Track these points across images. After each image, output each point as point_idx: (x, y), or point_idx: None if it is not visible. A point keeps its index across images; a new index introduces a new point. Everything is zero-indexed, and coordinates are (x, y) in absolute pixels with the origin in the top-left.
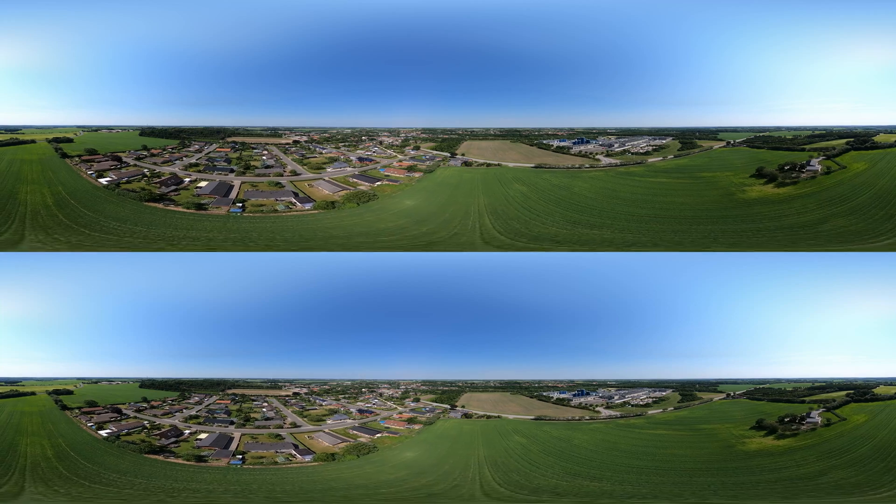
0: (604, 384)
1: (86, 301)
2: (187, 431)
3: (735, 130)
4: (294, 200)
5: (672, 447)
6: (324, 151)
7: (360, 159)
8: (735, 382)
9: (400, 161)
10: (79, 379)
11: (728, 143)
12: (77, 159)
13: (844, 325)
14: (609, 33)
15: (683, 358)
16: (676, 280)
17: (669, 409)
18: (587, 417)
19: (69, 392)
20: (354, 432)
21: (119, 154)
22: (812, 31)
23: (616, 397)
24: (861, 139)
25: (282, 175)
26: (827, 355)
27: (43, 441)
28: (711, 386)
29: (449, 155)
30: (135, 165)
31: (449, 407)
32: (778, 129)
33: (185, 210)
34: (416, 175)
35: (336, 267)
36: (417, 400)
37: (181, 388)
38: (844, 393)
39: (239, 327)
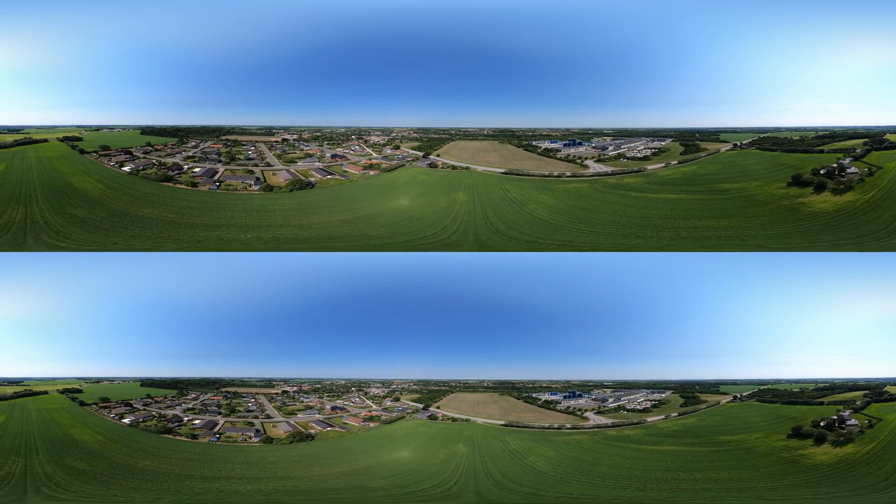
0: (600, 385)
1: (85, 301)
2: (186, 419)
3: (735, 131)
4: (252, 183)
5: (696, 467)
6: (306, 148)
7: (333, 156)
8: (735, 383)
9: (368, 159)
10: (78, 379)
11: (735, 145)
12: (95, 154)
13: (844, 326)
14: (609, 33)
15: (683, 358)
16: (676, 280)
17: (673, 414)
18: (568, 426)
19: (79, 391)
20: (312, 424)
21: (129, 149)
22: (812, 31)
23: (610, 400)
24: (876, 139)
25: (257, 165)
26: (825, 356)
27: (86, 430)
28: (713, 387)
29: (421, 155)
30: (144, 157)
31: (421, 407)
32: (778, 129)
33: (185, 187)
34: (372, 173)
35: (336, 267)
36: (397, 399)
37: (179, 386)
38: (861, 393)
39: (238, 328)
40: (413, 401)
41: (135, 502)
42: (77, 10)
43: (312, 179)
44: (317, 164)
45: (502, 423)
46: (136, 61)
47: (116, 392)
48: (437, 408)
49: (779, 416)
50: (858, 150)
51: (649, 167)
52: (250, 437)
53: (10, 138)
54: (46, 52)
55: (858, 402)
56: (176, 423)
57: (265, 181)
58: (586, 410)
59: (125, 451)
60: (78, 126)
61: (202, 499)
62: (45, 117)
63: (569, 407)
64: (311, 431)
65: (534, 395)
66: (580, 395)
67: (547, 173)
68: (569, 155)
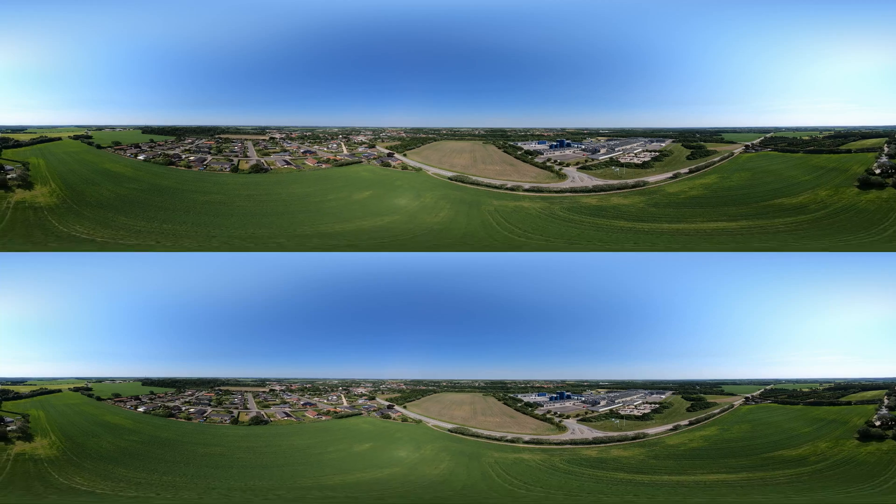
0: (595, 385)
1: (82, 302)
2: (184, 408)
3: (735, 131)
4: (227, 168)
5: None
6: (286, 145)
7: (305, 152)
8: (735, 383)
9: (334, 155)
10: (78, 379)
11: (746, 146)
12: (111, 149)
13: (843, 326)
14: (609, 33)
15: (682, 357)
16: (677, 279)
17: (682, 423)
18: (525, 439)
19: (89, 389)
20: (276, 415)
21: (137, 144)
22: (813, 31)
23: (603, 402)
24: (893, 138)
25: (237, 156)
26: (822, 356)
27: (116, 417)
28: (714, 387)
29: (386, 154)
30: (150, 150)
31: (386, 406)
32: (777, 129)
33: (183, 168)
34: (325, 166)
35: (335, 268)
36: (372, 398)
37: (177, 385)
38: (883, 393)
39: (237, 329)
40: (392, 399)
41: (197, 455)
42: (77, 14)
43: (272, 167)
44: (285, 156)
45: (449, 427)
46: (135, 63)
47: (121, 390)
48: (404, 407)
49: (815, 419)
50: (887, 149)
51: (651, 179)
52: (225, 421)
53: (25, 137)
54: (45, 55)
55: (887, 401)
56: (177, 411)
57: (237, 166)
58: (566, 417)
59: (151, 428)
60: (75, 126)
61: (193, 459)
62: (40, 117)
63: (549, 412)
64: (272, 419)
65: (519, 397)
66: (569, 397)
67: (498, 184)
68: (548, 160)
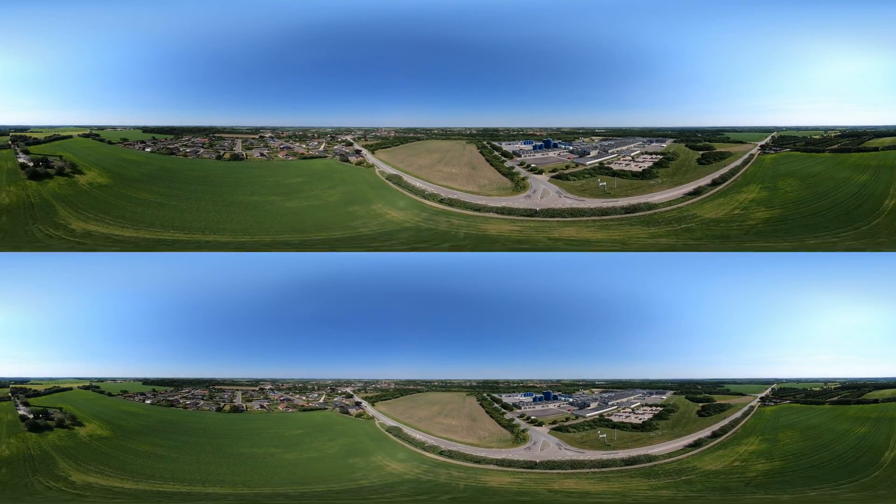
0: (591, 384)
1: (80, 303)
2: (181, 401)
3: (736, 130)
4: (214, 157)
5: None
6: (272, 143)
7: (283, 147)
8: (737, 382)
9: (304, 150)
10: (78, 378)
11: (762, 147)
12: (121, 144)
13: (844, 326)
14: (610, 32)
15: (683, 356)
16: (676, 279)
17: (703, 435)
18: (441, 449)
19: (97, 387)
20: (255, 407)
21: (143, 140)
22: (814, 30)
23: (594, 404)
24: None
25: (224, 150)
26: (820, 355)
27: (129, 406)
28: (717, 386)
29: (355, 151)
30: (154, 145)
31: (354, 404)
32: (779, 128)
33: (181, 157)
34: (291, 158)
35: (337, 268)
36: (350, 396)
37: (175, 384)
38: None
39: (236, 331)
40: (371, 398)
41: (189, 429)
42: (79, 17)
43: (249, 158)
44: (264, 150)
45: (390, 424)
46: (136, 66)
47: (128, 388)
48: (372, 405)
49: (857, 418)
50: None
51: (656, 198)
52: (212, 409)
53: (40, 136)
54: (45, 56)
55: None
56: (176, 403)
57: (220, 156)
58: (540, 423)
59: (159, 414)
60: (75, 126)
61: (186, 430)
62: (40, 117)
63: (519, 416)
64: (249, 410)
65: (502, 397)
66: (555, 397)
67: (421, 188)
68: (515, 166)
